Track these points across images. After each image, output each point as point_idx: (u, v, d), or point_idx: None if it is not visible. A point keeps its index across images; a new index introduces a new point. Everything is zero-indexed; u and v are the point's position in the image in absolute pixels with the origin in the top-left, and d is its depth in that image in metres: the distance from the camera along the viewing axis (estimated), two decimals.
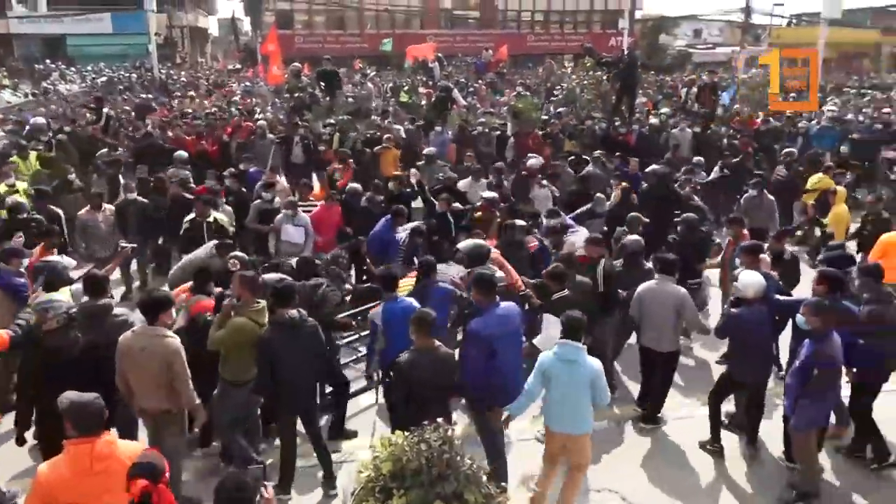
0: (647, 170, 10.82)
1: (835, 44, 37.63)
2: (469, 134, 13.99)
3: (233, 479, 3.27)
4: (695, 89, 17.56)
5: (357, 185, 10.04)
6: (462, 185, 10.58)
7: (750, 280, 5.90)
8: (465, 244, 7.34)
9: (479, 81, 24.16)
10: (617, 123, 14.82)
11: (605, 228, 8.99)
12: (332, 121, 14.04)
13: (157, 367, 4.92)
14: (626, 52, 16.74)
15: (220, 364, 5.53)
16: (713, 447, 6.19)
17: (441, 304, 6.04)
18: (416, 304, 5.74)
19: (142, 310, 5.08)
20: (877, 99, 22.85)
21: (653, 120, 15.44)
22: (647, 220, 8.64)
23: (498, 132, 14.33)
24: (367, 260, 8.58)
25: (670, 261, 6.49)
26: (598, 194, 9.80)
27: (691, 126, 14.61)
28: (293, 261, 7.41)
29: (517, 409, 5.19)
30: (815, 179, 11.14)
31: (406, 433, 3.36)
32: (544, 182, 10.57)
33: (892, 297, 5.92)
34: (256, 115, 15.61)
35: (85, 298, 5.53)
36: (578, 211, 9.41)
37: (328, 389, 6.50)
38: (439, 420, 3.42)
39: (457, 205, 9.59)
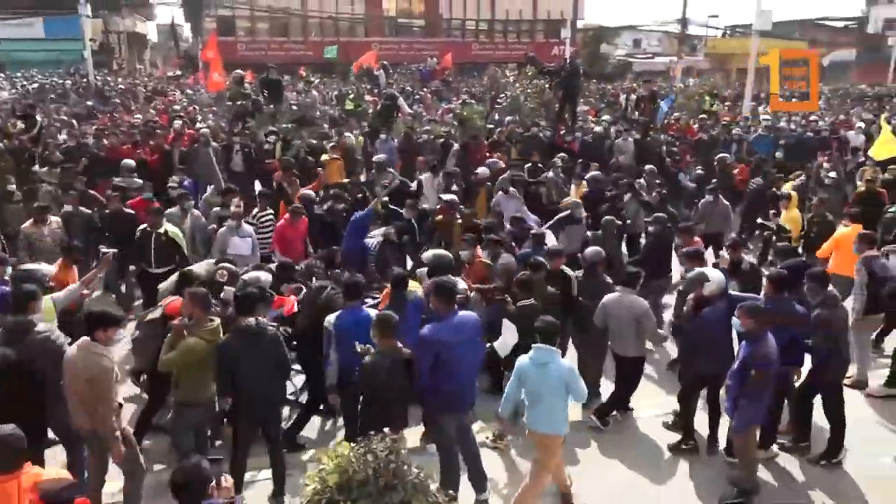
0: (587, 176, 11.06)
1: (764, 55, 39.15)
2: (414, 142, 14.01)
3: (190, 464, 3.50)
4: (633, 96, 18.00)
5: (310, 192, 9.94)
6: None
7: (713, 276, 6.24)
8: (427, 254, 7.37)
9: (425, 89, 24.25)
10: (562, 131, 15.08)
11: (589, 233, 9.13)
12: (273, 129, 13.83)
13: (83, 383, 4.76)
14: (567, 61, 17.06)
15: (172, 386, 5.39)
16: (687, 445, 6.33)
17: (414, 313, 6.15)
18: (374, 314, 5.74)
19: (86, 324, 4.97)
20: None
21: (596, 128, 15.75)
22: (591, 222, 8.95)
23: (442, 140, 14.38)
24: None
25: (633, 273, 6.72)
26: (574, 199, 9.92)
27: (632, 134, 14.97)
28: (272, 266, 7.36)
29: (503, 413, 5.44)
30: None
31: (352, 444, 3.34)
32: (511, 190, 10.53)
33: (838, 301, 6.14)
34: (198, 124, 15.28)
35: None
36: (558, 217, 9.52)
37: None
38: (387, 430, 3.40)
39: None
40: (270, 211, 9.65)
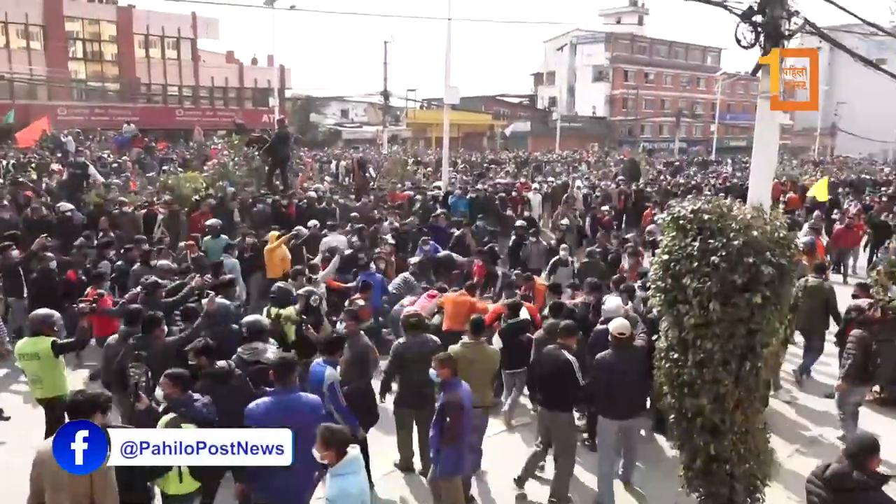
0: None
1: (458, 125, 43.64)
2: (109, 213, 12.71)
3: None
4: (344, 162, 18.67)
5: None
6: None
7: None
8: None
9: (125, 157, 22.36)
10: (275, 197, 14.89)
11: None
12: None
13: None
14: (276, 129, 17.08)
15: None
16: None
17: None
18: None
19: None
20: (496, 168, 27.11)
21: (310, 193, 15.91)
22: None
23: (145, 210, 13.33)
24: None
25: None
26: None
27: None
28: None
29: None
30: None
31: None
32: None
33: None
34: None
35: None
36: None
37: None
38: None
39: None
40: None
